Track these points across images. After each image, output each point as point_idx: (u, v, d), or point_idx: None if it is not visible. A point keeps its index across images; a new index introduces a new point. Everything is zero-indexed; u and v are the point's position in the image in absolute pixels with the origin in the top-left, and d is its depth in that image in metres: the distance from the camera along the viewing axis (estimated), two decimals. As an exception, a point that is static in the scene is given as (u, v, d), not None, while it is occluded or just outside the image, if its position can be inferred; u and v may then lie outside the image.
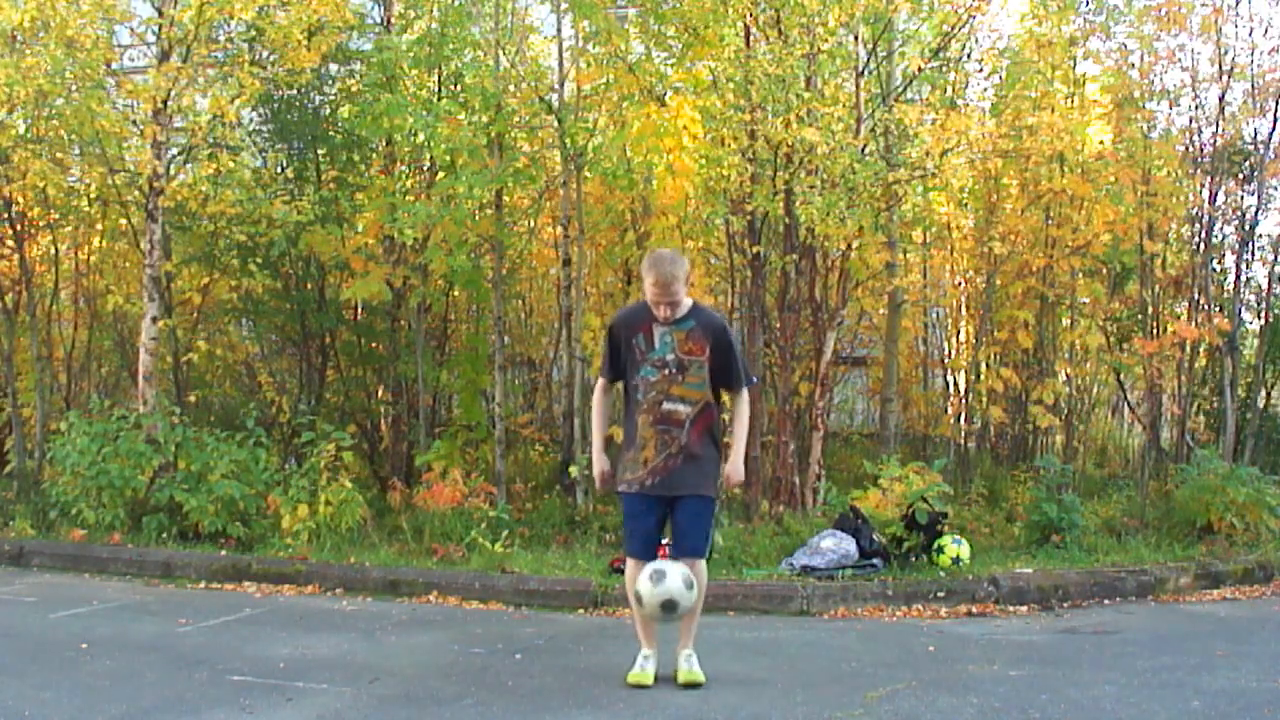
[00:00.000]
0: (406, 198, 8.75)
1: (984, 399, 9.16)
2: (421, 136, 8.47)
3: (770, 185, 7.64)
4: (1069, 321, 9.38)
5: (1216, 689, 4.12)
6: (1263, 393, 8.90)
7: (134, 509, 7.46)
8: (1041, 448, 9.61)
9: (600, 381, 4.53)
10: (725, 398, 4.51)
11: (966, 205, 9.59)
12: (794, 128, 7.35)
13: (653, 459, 4.20)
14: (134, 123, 8.41)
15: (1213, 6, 7.99)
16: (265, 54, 8.42)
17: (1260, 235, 8.57)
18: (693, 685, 4.23)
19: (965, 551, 6.53)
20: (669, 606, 4.04)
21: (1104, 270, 9.03)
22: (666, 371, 4.17)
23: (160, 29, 7.90)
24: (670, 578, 4.03)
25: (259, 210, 8.36)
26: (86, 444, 7.32)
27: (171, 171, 8.24)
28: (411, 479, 8.55)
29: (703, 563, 4.32)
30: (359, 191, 9.01)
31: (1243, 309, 8.60)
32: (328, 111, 9.26)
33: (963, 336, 10.45)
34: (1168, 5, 7.91)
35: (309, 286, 9.38)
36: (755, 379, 4.38)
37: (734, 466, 4.29)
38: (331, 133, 9.05)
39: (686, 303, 4.21)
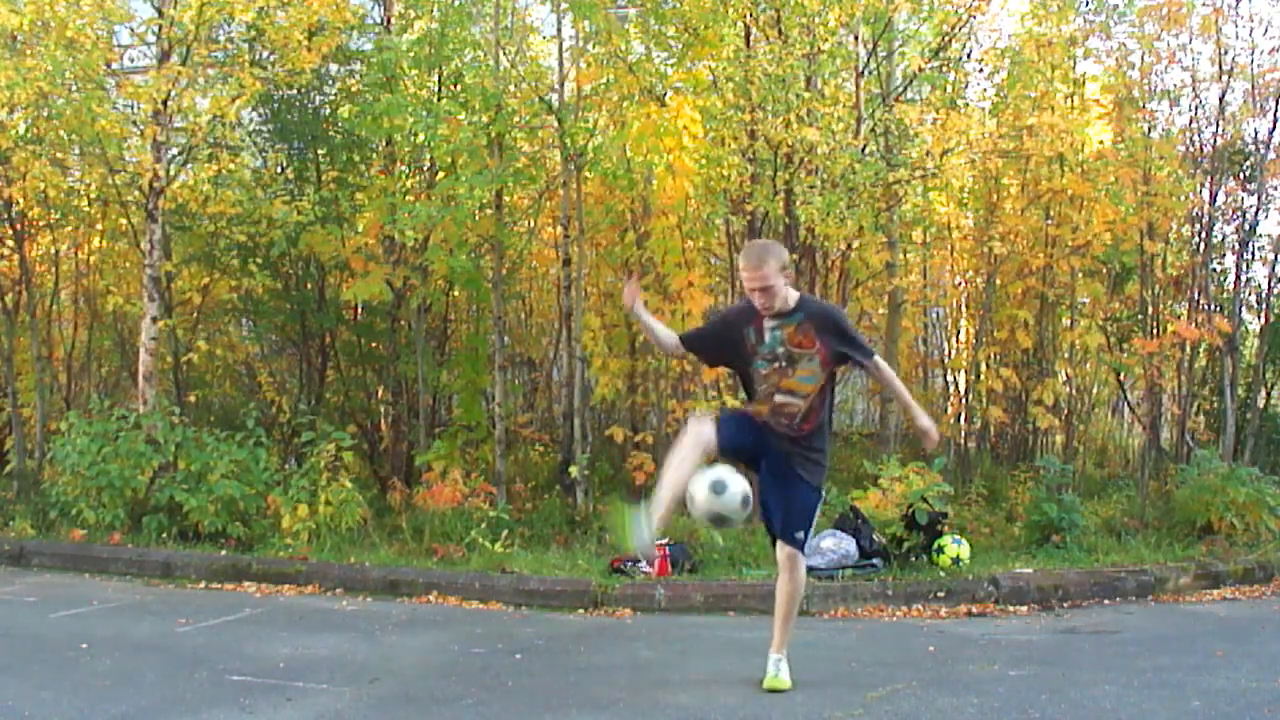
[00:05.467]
0: (407, 198, 8.75)
1: (984, 399, 9.16)
2: (421, 137, 8.47)
3: (770, 185, 7.65)
4: (1069, 321, 9.38)
5: (1216, 689, 4.12)
6: (1263, 393, 8.89)
7: (134, 509, 7.46)
8: (1041, 448, 9.60)
9: (677, 334, 4.56)
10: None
11: (966, 205, 9.58)
12: (794, 128, 7.36)
13: (767, 419, 4.21)
14: (134, 123, 8.41)
15: (1213, 6, 7.99)
16: (265, 54, 8.43)
17: (1260, 235, 8.57)
18: (776, 690, 4.17)
19: (965, 551, 6.53)
20: (719, 521, 3.96)
21: (1104, 270, 9.02)
22: (777, 365, 4.16)
23: (160, 29, 7.91)
24: (731, 491, 3.92)
25: (259, 210, 8.37)
26: (86, 444, 7.32)
27: (172, 172, 8.24)
28: (411, 479, 8.55)
29: (802, 557, 4.24)
30: (359, 191, 9.01)
31: (1243, 309, 8.59)
32: (328, 112, 9.26)
33: (963, 336, 10.45)
34: (1168, 5, 7.91)
35: (309, 286, 9.38)
36: (874, 352, 4.39)
37: (923, 424, 4.21)
38: (331, 133, 9.05)
39: (792, 295, 4.18)
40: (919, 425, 4.24)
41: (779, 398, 4.15)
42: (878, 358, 4.32)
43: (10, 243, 9.10)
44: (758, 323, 4.17)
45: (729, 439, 4.09)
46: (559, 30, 8.86)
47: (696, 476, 3.96)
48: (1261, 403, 8.80)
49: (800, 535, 4.21)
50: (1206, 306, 8.34)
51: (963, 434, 9.43)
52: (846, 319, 4.38)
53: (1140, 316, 8.78)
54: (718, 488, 3.91)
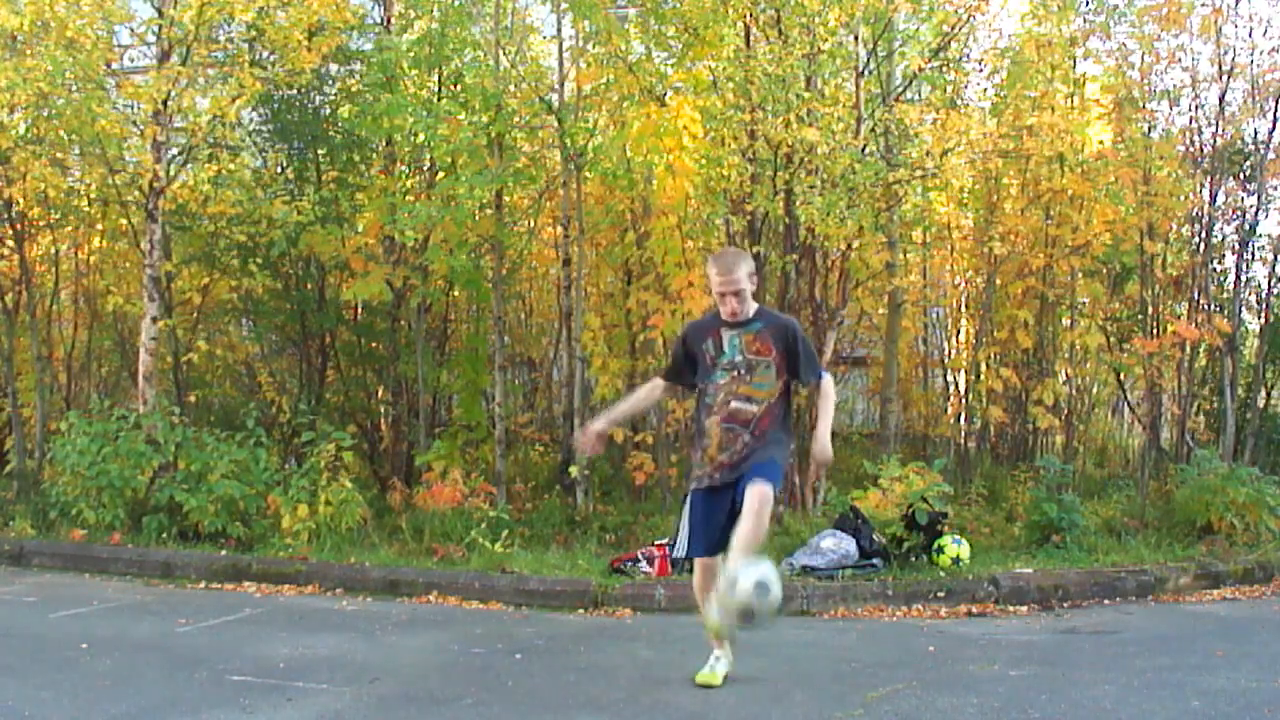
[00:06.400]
0: (407, 198, 8.76)
1: (984, 399, 9.16)
2: (422, 137, 8.48)
3: (770, 185, 7.64)
4: (1069, 321, 9.38)
5: (1216, 689, 4.12)
6: (1263, 393, 8.90)
7: (134, 509, 7.46)
8: (1041, 448, 9.61)
9: (656, 378, 4.67)
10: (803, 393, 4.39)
11: (966, 205, 9.59)
12: (794, 128, 7.35)
13: (717, 456, 4.18)
14: (134, 123, 8.42)
15: (1213, 6, 8.00)
16: (265, 54, 8.43)
17: (1260, 235, 8.58)
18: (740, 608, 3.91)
19: (965, 551, 6.53)
20: (746, 614, 3.81)
21: (1104, 270, 9.03)
22: (735, 373, 4.20)
23: (160, 29, 7.91)
24: (773, 595, 3.77)
25: (259, 210, 8.38)
26: (86, 444, 7.32)
27: (172, 172, 8.24)
28: (411, 479, 8.55)
29: (771, 500, 4.01)
30: (359, 191, 9.02)
31: (1243, 309, 8.60)
32: (328, 111, 9.27)
33: (963, 336, 10.45)
34: (1168, 5, 7.91)
35: (309, 286, 9.38)
36: (824, 372, 4.39)
37: (819, 445, 4.19)
38: (331, 133, 9.05)
39: (753, 305, 4.25)
40: (815, 445, 4.19)
41: (735, 404, 4.18)
42: (827, 379, 4.34)
43: (10, 243, 9.11)
44: (715, 335, 4.24)
45: (708, 537, 4.12)
46: (559, 30, 8.87)
47: (745, 569, 3.79)
48: (1261, 403, 8.80)
49: (769, 473, 4.04)
50: (1206, 306, 8.35)
51: (963, 434, 9.44)
52: (803, 334, 4.37)
53: (1140, 316, 8.78)
54: (762, 590, 3.75)
